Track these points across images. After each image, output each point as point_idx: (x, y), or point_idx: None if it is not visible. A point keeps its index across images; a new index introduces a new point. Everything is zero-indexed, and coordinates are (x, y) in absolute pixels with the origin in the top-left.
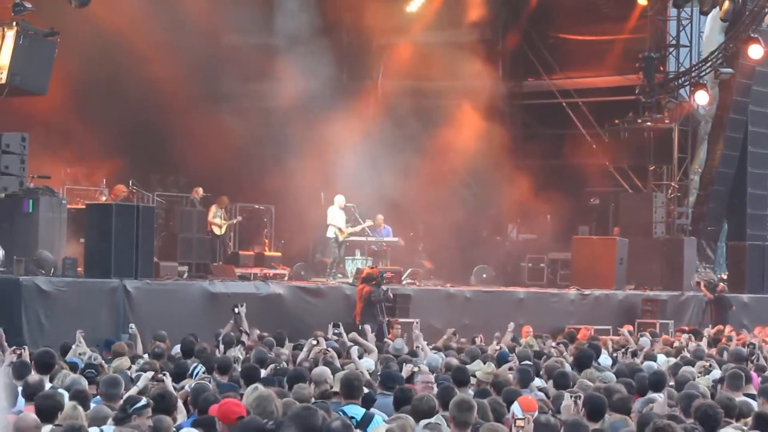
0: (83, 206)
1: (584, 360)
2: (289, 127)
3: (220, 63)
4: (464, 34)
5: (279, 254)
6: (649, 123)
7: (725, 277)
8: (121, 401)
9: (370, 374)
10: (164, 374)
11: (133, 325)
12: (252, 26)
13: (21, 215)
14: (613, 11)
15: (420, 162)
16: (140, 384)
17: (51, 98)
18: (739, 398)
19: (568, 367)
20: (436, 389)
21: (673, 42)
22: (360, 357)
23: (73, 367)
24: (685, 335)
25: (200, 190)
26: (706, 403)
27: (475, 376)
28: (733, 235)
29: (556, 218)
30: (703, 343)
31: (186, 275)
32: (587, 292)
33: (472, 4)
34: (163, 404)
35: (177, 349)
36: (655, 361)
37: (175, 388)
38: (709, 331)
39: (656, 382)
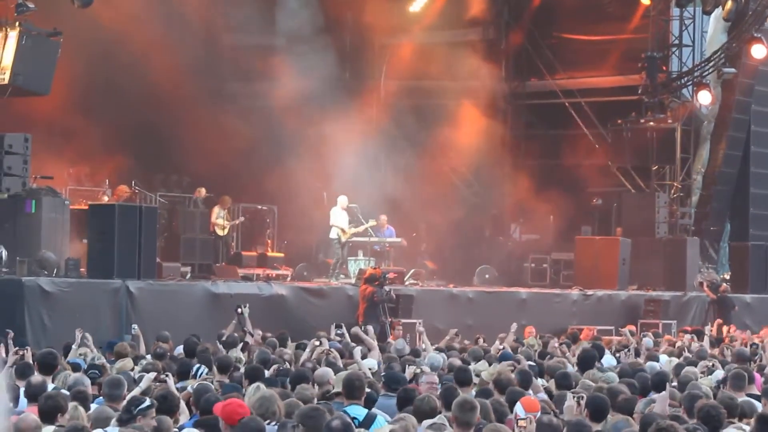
0: (86, 207)
1: (587, 360)
2: (291, 127)
3: (222, 63)
4: (467, 33)
5: (282, 255)
6: (651, 123)
7: (728, 277)
8: (124, 402)
9: (372, 374)
10: (167, 375)
11: (135, 326)
12: (254, 26)
13: (24, 216)
14: (615, 11)
15: (423, 162)
16: (143, 385)
17: (54, 99)
18: (742, 398)
19: (570, 368)
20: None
21: (676, 42)
22: (363, 357)
23: (75, 367)
24: (688, 335)
25: (203, 191)
26: (709, 403)
27: (479, 376)
28: (736, 235)
29: (559, 218)
30: (706, 343)
31: (189, 276)
32: (590, 292)
33: (475, 4)
34: (166, 405)
35: (180, 349)
36: (657, 361)
37: (177, 389)
38: (709, 329)
39: (659, 383)
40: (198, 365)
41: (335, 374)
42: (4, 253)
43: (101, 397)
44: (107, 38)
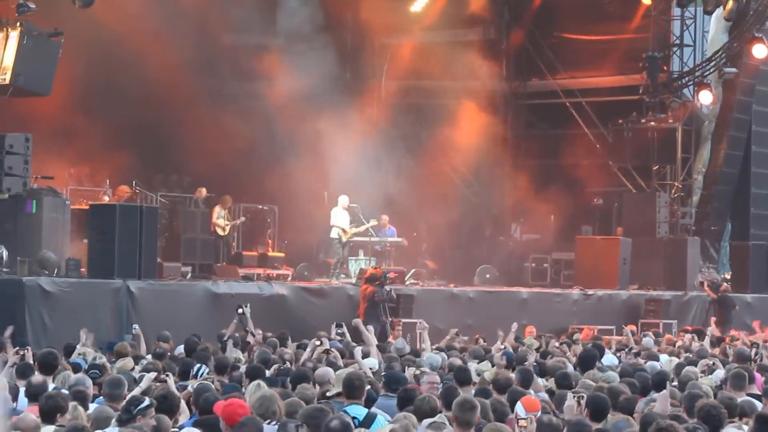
0: (86, 207)
1: (588, 360)
2: (292, 127)
3: (222, 62)
4: (468, 33)
5: (282, 255)
6: (652, 123)
7: (729, 277)
8: (124, 402)
9: (373, 373)
10: (167, 375)
11: (136, 326)
12: (254, 25)
13: (24, 216)
14: (616, 11)
15: (423, 161)
16: (143, 384)
17: (55, 99)
18: (742, 398)
19: (570, 368)
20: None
21: (677, 41)
22: (364, 357)
23: (76, 367)
24: (689, 335)
25: (204, 191)
26: (710, 403)
27: (479, 375)
28: (737, 234)
29: (560, 218)
30: (707, 343)
31: (189, 276)
32: (590, 292)
33: (476, 4)
34: (167, 405)
35: (180, 349)
36: (658, 361)
37: (178, 388)
38: (711, 329)
39: (659, 382)
40: (199, 365)
41: (335, 373)
42: (5, 253)
43: (101, 397)
44: (108, 38)
